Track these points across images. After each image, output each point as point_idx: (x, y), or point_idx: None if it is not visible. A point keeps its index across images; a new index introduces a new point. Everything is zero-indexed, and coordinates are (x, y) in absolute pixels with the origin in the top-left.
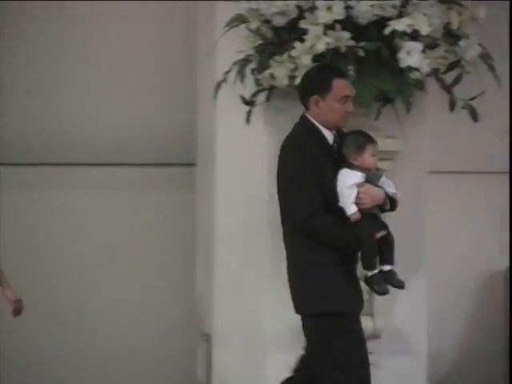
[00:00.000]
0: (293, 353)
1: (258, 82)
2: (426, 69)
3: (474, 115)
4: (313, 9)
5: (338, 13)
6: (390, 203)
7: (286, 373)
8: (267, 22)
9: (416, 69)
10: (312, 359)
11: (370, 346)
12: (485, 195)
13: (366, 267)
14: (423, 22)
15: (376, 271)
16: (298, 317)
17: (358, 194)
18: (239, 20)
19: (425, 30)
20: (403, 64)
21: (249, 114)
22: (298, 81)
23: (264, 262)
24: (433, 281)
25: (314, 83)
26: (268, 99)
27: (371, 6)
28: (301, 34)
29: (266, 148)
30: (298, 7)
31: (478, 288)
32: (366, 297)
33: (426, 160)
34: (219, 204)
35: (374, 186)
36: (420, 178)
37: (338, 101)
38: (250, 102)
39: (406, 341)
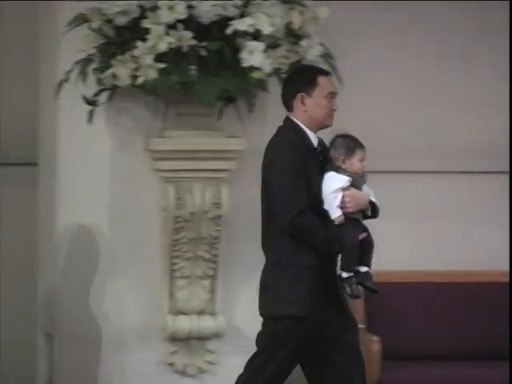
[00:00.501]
0: (133, 353)
1: (100, 82)
2: (268, 68)
3: None
4: (155, 8)
5: (180, 12)
6: (372, 210)
7: (131, 373)
8: (109, 21)
9: (258, 68)
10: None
11: (213, 345)
12: None
13: (344, 268)
14: (265, 21)
15: (352, 274)
16: (141, 317)
17: (343, 197)
18: (81, 19)
19: (266, 29)
20: (245, 64)
21: (91, 113)
22: (140, 80)
23: (106, 262)
24: None
25: (300, 81)
26: (110, 99)
27: (213, 5)
28: (143, 34)
29: (108, 147)
30: (140, 7)
31: None
32: (208, 296)
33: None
34: (61, 203)
35: (359, 190)
36: None
37: (325, 97)
38: (92, 102)
39: (248, 340)
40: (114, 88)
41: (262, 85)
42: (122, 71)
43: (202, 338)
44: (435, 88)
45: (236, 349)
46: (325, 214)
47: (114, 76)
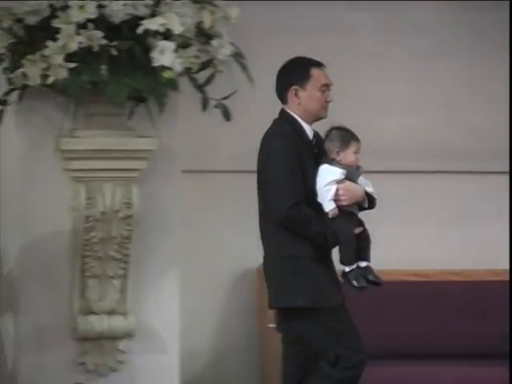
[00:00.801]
0: (44, 353)
1: (10, 81)
2: (178, 68)
3: (227, 114)
4: (65, 8)
5: (91, 12)
6: (369, 201)
7: (42, 372)
8: (20, 20)
9: (169, 68)
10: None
11: (124, 344)
12: None
13: (344, 262)
14: (176, 21)
15: (354, 266)
16: (52, 317)
17: (337, 190)
18: None
19: (177, 29)
20: (156, 63)
21: (1, 113)
22: (50, 80)
23: (16, 261)
24: (186, 279)
25: (293, 73)
26: (21, 98)
27: (124, 5)
28: (54, 33)
29: (18, 147)
30: (51, 6)
31: (230, 286)
32: (118, 296)
33: (179, 159)
34: None
35: (354, 183)
36: (173, 177)
37: (318, 89)
38: (2, 102)
39: (159, 339)
40: (24, 88)
41: (172, 84)
42: (32, 71)
43: (113, 337)
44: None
45: (147, 348)
46: (319, 207)
47: (25, 75)
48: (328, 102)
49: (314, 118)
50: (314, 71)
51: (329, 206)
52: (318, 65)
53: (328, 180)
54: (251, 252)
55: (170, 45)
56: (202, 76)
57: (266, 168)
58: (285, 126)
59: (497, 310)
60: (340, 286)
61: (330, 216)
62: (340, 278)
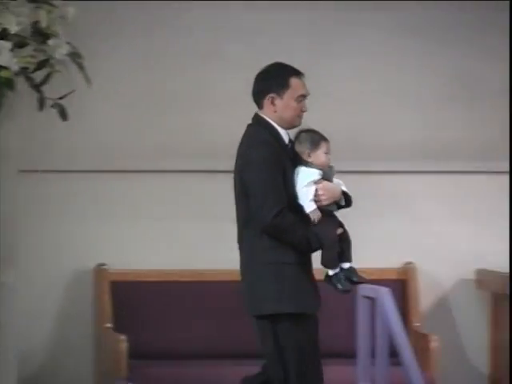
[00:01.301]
0: None
1: None
2: (15, 67)
3: (63, 114)
4: None
5: None
6: (346, 199)
7: None
8: None
9: (5, 67)
10: (270, 361)
11: None
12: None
13: (328, 266)
14: (11, 20)
15: (337, 270)
16: None
17: (316, 191)
18: None
19: (13, 28)
20: None
21: None
22: None
23: None
24: (23, 279)
25: (272, 81)
26: None
27: None
28: None
29: None
30: None
31: (66, 286)
32: None
33: (16, 159)
34: None
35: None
36: (10, 177)
37: (295, 99)
38: None
39: None
40: None
41: (9, 84)
42: None
43: None
44: None
45: None
46: (300, 210)
47: None
48: (303, 111)
49: (288, 126)
50: (293, 81)
51: (310, 207)
52: (298, 74)
53: (306, 181)
54: (87, 252)
55: (6, 44)
56: (38, 75)
57: (249, 178)
58: (263, 132)
59: None
60: (319, 293)
61: (314, 219)
62: (324, 281)
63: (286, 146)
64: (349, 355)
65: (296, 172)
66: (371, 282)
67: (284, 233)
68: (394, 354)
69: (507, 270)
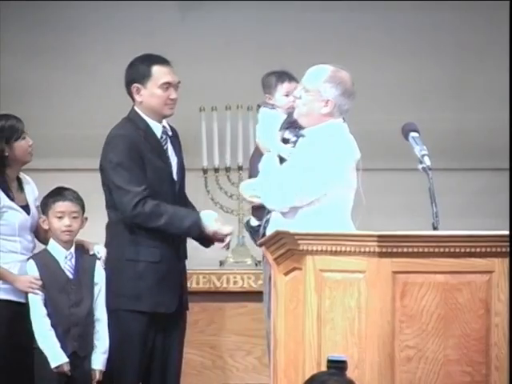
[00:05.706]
0: None
1: None
2: None
3: None
4: None
5: None
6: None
7: None
8: None
9: None
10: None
11: None
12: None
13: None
14: None
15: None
16: None
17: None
18: None
19: None
20: None
21: None
22: None
23: None
24: None
25: (135, 72)
26: None
27: None
28: None
29: None
30: None
31: None
32: None
33: None
34: None
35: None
36: None
37: (159, 87)
38: None
39: None
40: None
41: None
42: None
43: None
44: None
45: None
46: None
47: None
48: (172, 99)
49: (159, 116)
50: (156, 69)
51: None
52: (162, 62)
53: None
54: None
55: None
56: None
57: (107, 174)
58: (125, 125)
59: None
60: (178, 293)
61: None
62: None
63: (155, 136)
64: None
65: (259, 114)
66: None
67: (147, 221)
68: None
69: None
